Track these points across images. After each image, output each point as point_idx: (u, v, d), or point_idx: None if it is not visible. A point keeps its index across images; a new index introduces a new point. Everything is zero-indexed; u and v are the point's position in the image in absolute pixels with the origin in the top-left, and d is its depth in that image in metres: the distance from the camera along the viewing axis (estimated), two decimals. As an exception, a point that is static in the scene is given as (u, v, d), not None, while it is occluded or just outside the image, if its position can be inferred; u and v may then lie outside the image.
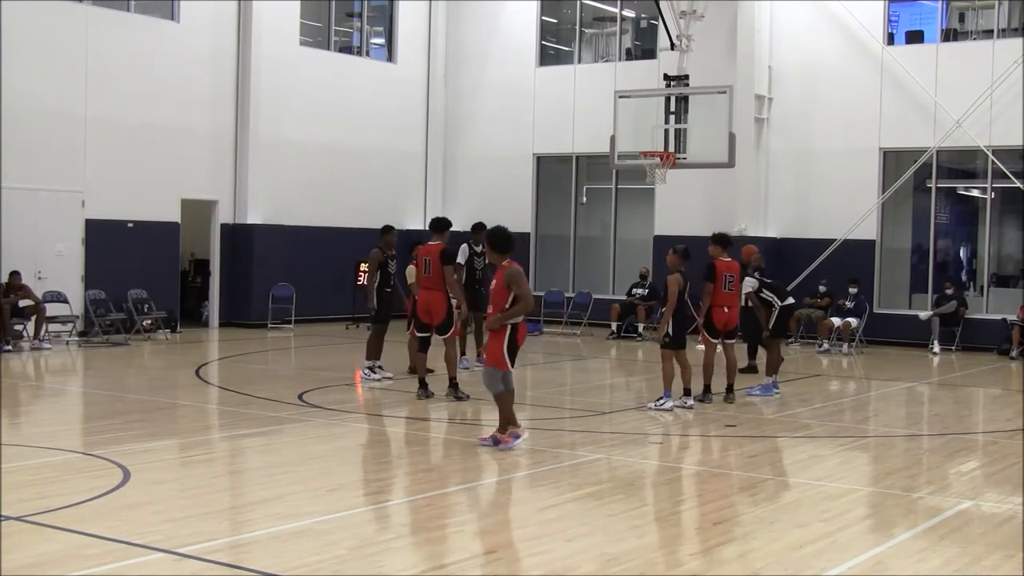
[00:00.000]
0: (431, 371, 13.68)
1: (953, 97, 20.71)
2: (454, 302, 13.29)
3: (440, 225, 13.63)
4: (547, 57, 25.70)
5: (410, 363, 15.19)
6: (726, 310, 13.39)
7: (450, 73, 26.09)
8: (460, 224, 23.44)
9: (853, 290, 20.72)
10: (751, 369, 16.15)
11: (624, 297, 22.54)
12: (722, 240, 13.72)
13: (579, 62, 25.17)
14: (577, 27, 25.44)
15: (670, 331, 12.72)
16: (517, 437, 10.23)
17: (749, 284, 14.25)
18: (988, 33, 21.36)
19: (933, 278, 21.49)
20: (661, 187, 20.27)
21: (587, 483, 9.07)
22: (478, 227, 16.41)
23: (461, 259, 15.59)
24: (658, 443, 11.30)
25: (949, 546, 7.30)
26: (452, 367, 13.18)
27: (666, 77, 17.67)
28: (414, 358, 15.08)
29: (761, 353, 15.48)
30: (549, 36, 26.05)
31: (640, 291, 21.96)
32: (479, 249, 16.17)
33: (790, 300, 14.60)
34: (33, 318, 17.84)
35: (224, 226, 22.12)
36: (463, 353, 16.22)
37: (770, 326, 14.43)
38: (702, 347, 13.87)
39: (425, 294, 13.12)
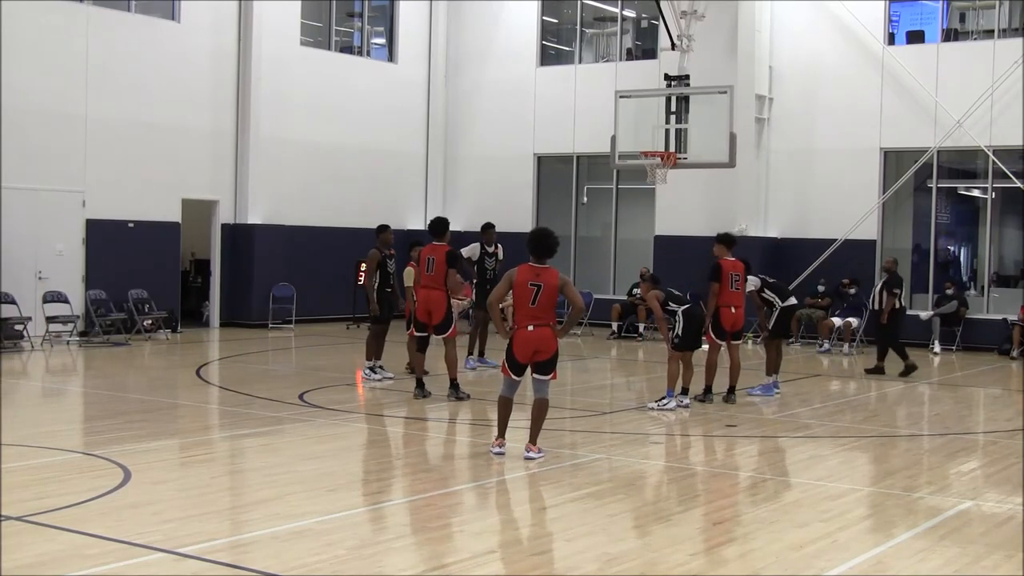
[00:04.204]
0: (426, 372, 13.70)
1: (954, 97, 20.70)
2: (454, 303, 13.30)
3: (440, 228, 13.57)
4: (548, 57, 25.70)
5: (408, 362, 15.23)
6: (733, 310, 13.43)
7: (451, 73, 26.09)
8: (462, 224, 23.54)
9: (852, 290, 20.74)
10: (879, 370, 16.58)
11: (625, 297, 22.54)
12: (727, 240, 13.74)
13: (580, 62, 25.17)
14: (578, 27, 25.43)
15: (680, 332, 12.78)
16: (494, 449, 9.96)
17: (752, 283, 14.26)
18: (989, 33, 21.35)
19: (934, 278, 21.49)
20: (662, 187, 20.27)
21: (587, 483, 9.07)
22: (487, 227, 16.49)
23: (472, 257, 15.84)
24: (658, 443, 11.30)
25: (949, 546, 7.30)
26: (453, 368, 13.16)
27: (667, 77, 17.66)
28: (411, 356, 15.14)
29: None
30: (550, 36, 26.05)
31: (640, 291, 21.94)
32: (491, 249, 16.26)
33: (792, 301, 14.59)
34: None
35: (224, 226, 22.12)
36: (470, 352, 16.26)
37: (770, 326, 14.42)
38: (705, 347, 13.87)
39: (425, 293, 13.09)
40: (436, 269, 13.06)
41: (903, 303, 17.05)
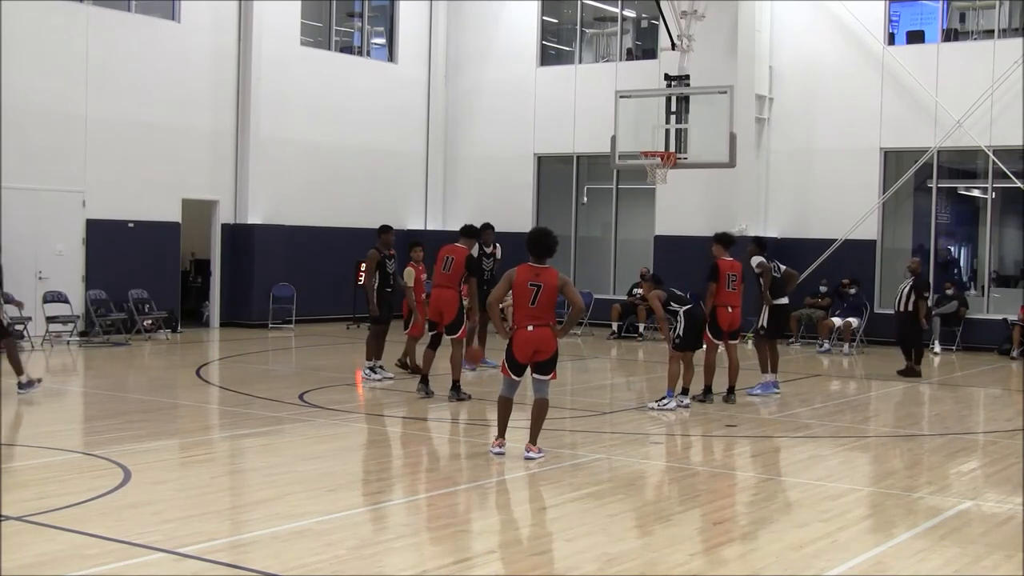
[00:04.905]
0: (408, 368, 13.72)
1: (954, 97, 20.70)
2: (465, 301, 13.35)
3: (471, 232, 13.73)
4: (548, 57, 25.70)
5: (400, 357, 15.27)
6: (730, 310, 13.43)
7: (451, 73, 26.09)
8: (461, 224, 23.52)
9: (852, 290, 20.76)
10: (916, 373, 16.53)
11: (625, 297, 22.54)
12: (724, 240, 13.73)
13: (580, 62, 25.16)
14: (578, 27, 25.43)
15: (681, 333, 12.79)
16: (494, 449, 9.95)
17: (756, 259, 14.20)
18: (989, 33, 21.35)
19: (934, 278, 21.46)
20: (662, 187, 20.26)
21: (587, 483, 9.06)
22: (485, 227, 16.48)
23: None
24: (658, 443, 11.30)
25: (949, 546, 7.30)
26: (457, 370, 13.14)
27: (667, 77, 17.66)
28: (412, 356, 15.18)
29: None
30: (550, 36, 26.05)
31: (641, 291, 21.94)
32: (488, 250, 16.26)
33: (783, 300, 14.54)
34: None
35: (225, 226, 22.12)
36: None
37: (764, 322, 14.36)
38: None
39: (438, 292, 13.11)
40: (454, 269, 13.07)
41: (928, 305, 17.01)
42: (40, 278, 18.73)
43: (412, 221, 25.50)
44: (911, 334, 16.75)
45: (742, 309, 13.79)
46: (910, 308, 16.64)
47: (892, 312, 17.42)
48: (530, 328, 9.60)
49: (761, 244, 14.62)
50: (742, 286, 13.72)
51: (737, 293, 13.56)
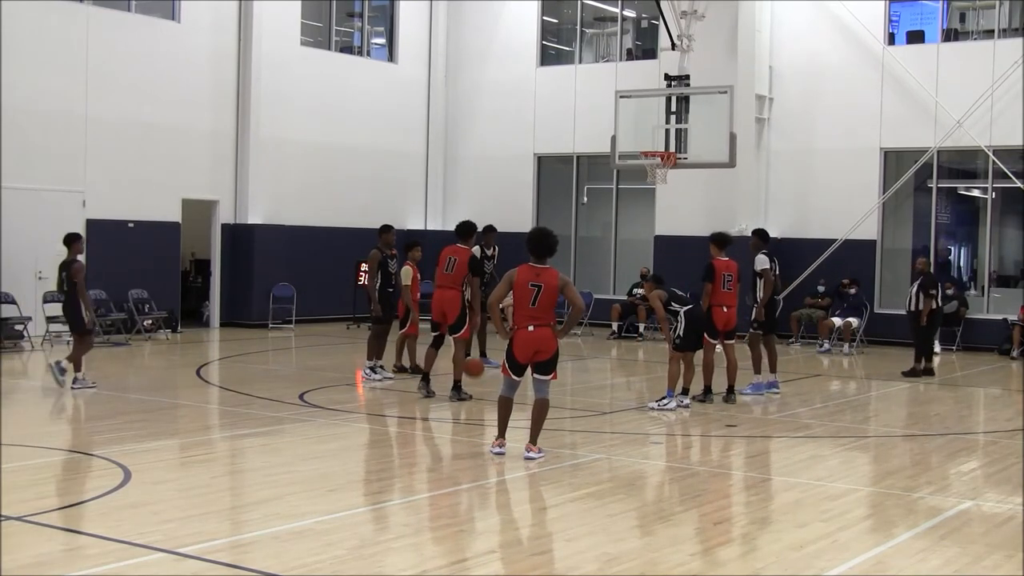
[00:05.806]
0: (409, 368, 13.68)
1: (954, 97, 20.70)
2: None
3: (467, 230, 13.61)
4: (548, 57, 25.70)
5: (396, 362, 15.26)
6: (725, 309, 13.42)
7: (451, 73, 26.10)
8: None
9: (852, 290, 20.76)
10: (928, 372, 16.58)
11: (625, 297, 22.55)
12: (720, 240, 13.72)
13: (580, 62, 25.17)
14: (578, 27, 25.44)
15: (681, 333, 12.80)
16: (494, 449, 9.95)
17: (760, 261, 14.18)
18: (989, 33, 21.35)
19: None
20: (662, 187, 20.26)
21: (587, 483, 9.06)
22: (489, 229, 16.48)
23: None
24: (658, 443, 11.31)
25: (949, 546, 7.30)
26: (459, 369, 13.15)
27: (667, 77, 17.65)
28: (412, 355, 15.18)
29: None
30: (550, 36, 26.05)
31: (641, 291, 21.94)
32: (490, 252, 16.26)
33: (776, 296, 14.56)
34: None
35: (225, 226, 22.13)
36: (467, 353, 16.25)
37: (757, 319, 14.33)
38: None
39: (440, 293, 13.12)
40: (456, 270, 13.07)
41: (938, 303, 17.03)
42: (40, 278, 18.71)
43: (412, 221, 25.51)
44: (923, 333, 16.74)
45: (739, 308, 13.77)
46: (920, 307, 16.67)
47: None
48: (530, 328, 9.60)
49: (764, 238, 14.56)
50: (738, 285, 13.70)
51: (733, 293, 13.54)
